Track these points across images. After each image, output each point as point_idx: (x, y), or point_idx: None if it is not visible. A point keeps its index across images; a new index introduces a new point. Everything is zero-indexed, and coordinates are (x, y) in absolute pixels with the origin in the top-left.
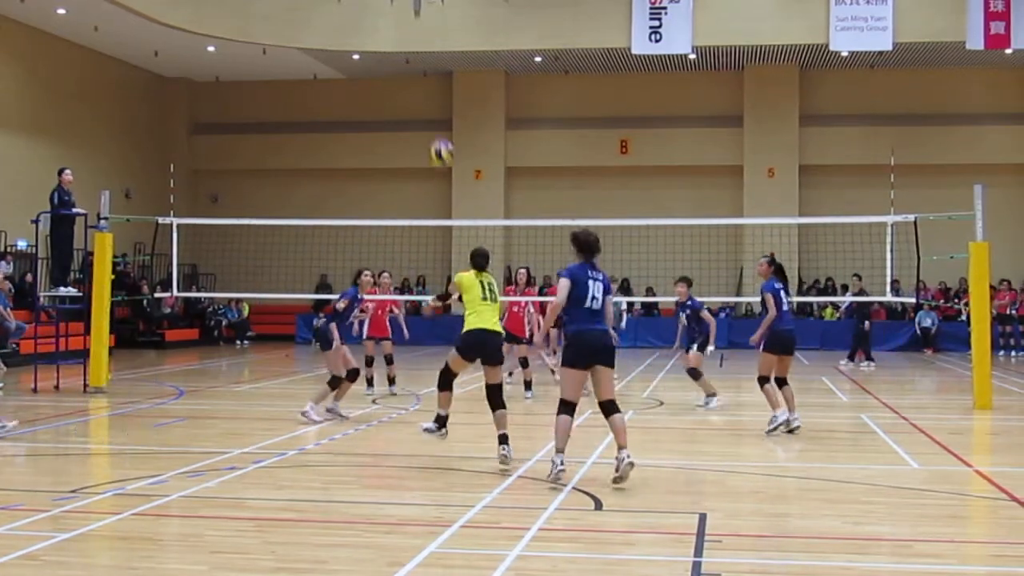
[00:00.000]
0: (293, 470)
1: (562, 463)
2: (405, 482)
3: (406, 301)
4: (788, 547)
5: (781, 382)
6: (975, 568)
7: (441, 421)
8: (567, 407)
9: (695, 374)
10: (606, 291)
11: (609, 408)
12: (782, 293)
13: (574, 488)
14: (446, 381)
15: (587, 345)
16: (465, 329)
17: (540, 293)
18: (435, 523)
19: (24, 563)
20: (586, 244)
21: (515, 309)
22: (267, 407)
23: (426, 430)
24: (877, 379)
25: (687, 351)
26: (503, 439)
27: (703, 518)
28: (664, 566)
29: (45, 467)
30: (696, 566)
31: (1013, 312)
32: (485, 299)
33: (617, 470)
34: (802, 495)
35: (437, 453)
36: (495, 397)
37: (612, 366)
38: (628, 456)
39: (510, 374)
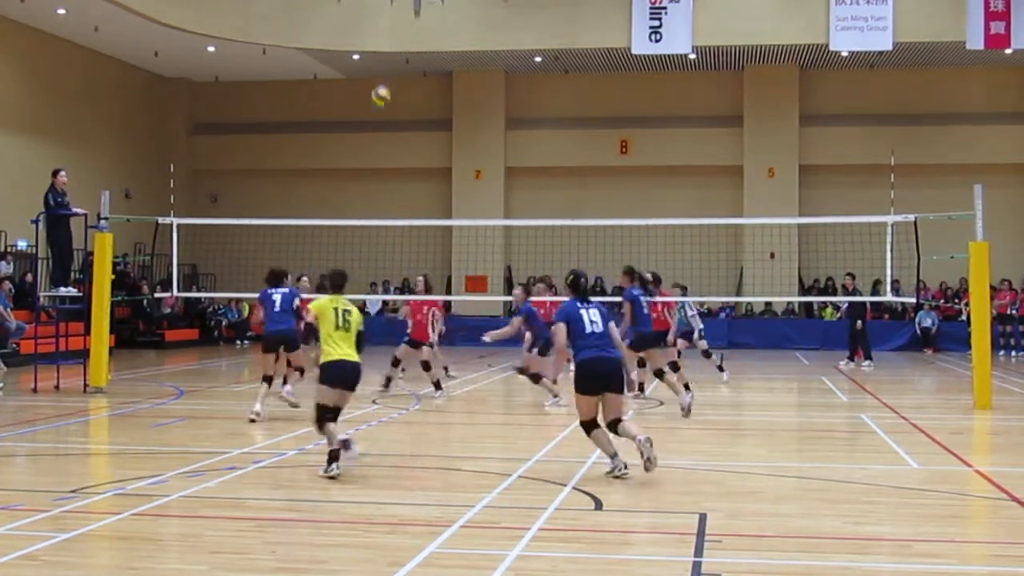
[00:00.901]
0: (293, 470)
1: (625, 466)
2: (405, 482)
3: (405, 301)
4: (788, 547)
5: (659, 374)
6: (975, 568)
7: (333, 455)
8: (589, 425)
9: (535, 378)
10: (604, 317)
11: (614, 425)
12: (641, 299)
13: (574, 488)
14: (322, 416)
15: (596, 373)
16: (323, 361)
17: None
18: (435, 523)
19: (24, 563)
20: (582, 287)
21: (419, 317)
22: (267, 407)
23: (326, 473)
24: (877, 379)
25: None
26: (334, 456)
27: (703, 518)
28: (664, 566)
29: (45, 467)
30: (696, 566)
31: (1013, 312)
32: (338, 328)
33: (643, 456)
34: (802, 495)
35: (437, 453)
36: (334, 415)
37: (621, 391)
38: (645, 439)
39: (446, 369)
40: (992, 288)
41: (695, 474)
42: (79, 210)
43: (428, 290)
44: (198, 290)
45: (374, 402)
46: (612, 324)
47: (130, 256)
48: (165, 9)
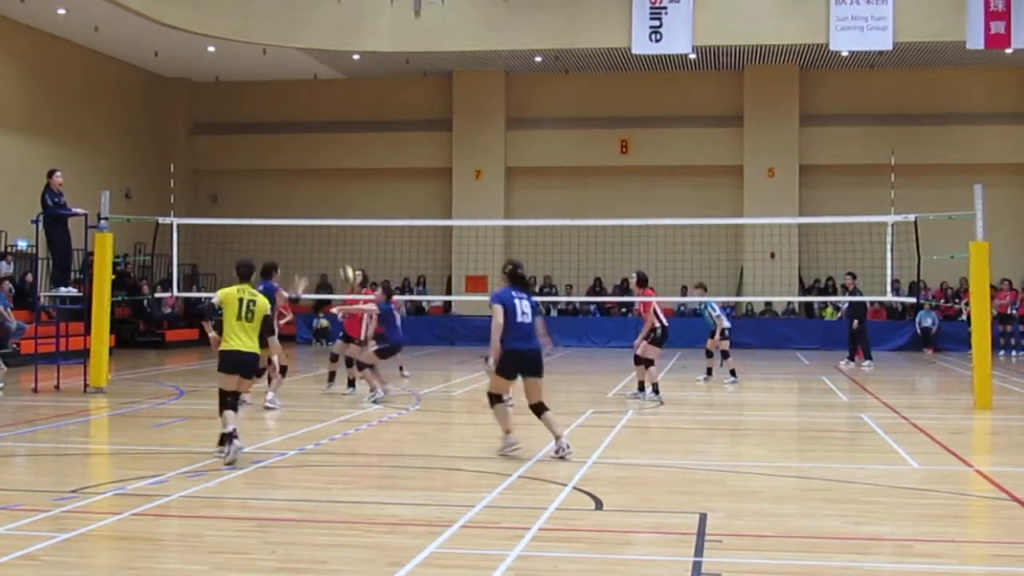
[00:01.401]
0: (293, 470)
1: (516, 442)
2: (405, 482)
3: (406, 301)
4: (788, 547)
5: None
6: (976, 568)
7: (224, 437)
8: (498, 399)
9: None
10: (533, 309)
11: (538, 409)
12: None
13: (574, 488)
14: (223, 402)
15: (521, 360)
16: (222, 349)
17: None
18: (435, 523)
19: (24, 563)
20: (519, 276)
21: (351, 314)
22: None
23: (223, 457)
24: (877, 379)
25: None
26: (225, 438)
27: (703, 518)
28: (664, 566)
29: (45, 467)
30: (696, 566)
31: (1013, 312)
32: (240, 319)
33: (557, 452)
34: (802, 495)
35: (438, 453)
36: (234, 400)
37: (540, 376)
38: (568, 445)
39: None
40: (992, 288)
41: (695, 474)
42: (79, 210)
43: (365, 285)
44: (198, 290)
45: (374, 401)
46: (539, 318)
47: (130, 256)
48: (165, 9)
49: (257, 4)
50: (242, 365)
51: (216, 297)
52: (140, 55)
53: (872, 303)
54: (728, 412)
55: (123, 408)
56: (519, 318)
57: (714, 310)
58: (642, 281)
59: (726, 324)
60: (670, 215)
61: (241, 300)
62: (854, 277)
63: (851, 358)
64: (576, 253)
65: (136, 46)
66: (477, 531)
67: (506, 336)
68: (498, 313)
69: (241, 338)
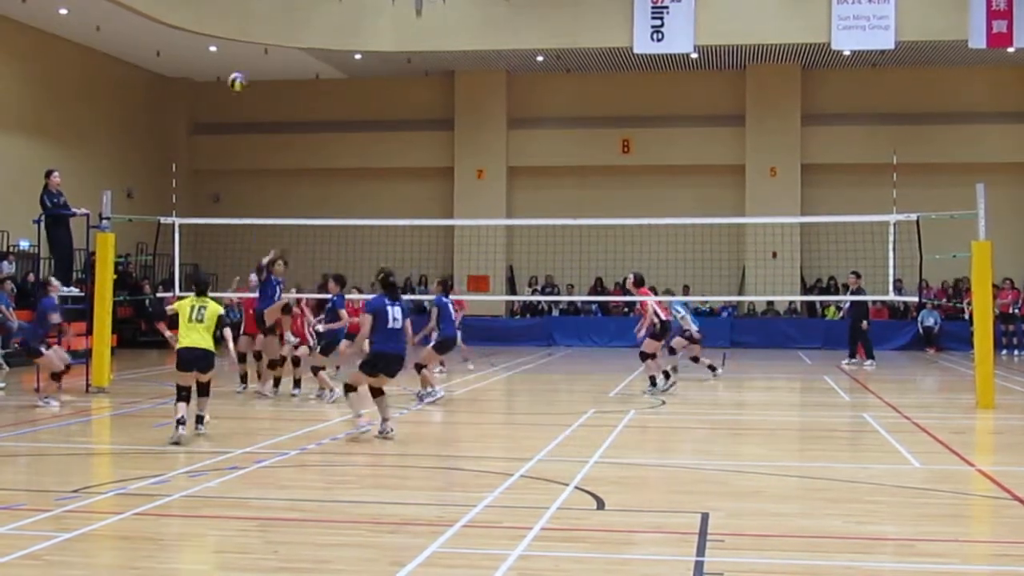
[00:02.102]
0: (295, 470)
1: (368, 424)
2: (407, 482)
3: (408, 301)
4: (790, 547)
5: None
6: (978, 567)
7: (180, 421)
8: (351, 389)
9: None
10: (404, 315)
11: (378, 392)
12: (450, 307)
13: (576, 488)
14: (178, 394)
15: (386, 361)
16: (177, 347)
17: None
18: (437, 523)
19: (26, 563)
20: (389, 284)
21: (251, 311)
22: (269, 407)
23: (170, 438)
24: (879, 378)
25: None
26: (183, 421)
27: (705, 517)
28: (666, 565)
29: (47, 467)
30: (698, 566)
31: (1016, 311)
32: (191, 320)
33: (382, 432)
34: (804, 494)
35: (439, 453)
36: (204, 390)
37: (394, 376)
38: (390, 429)
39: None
40: (994, 287)
41: (697, 474)
42: (81, 210)
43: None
44: None
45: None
46: (407, 322)
47: (132, 256)
48: (166, 9)
49: (258, 4)
50: (192, 358)
51: (171, 309)
52: (141, 55)
53: (874, 302)
54: (730, 412)
55: (125, 408)
56: (390, 323)
57: (678, 312)
58: (638, 281)
59: (692, 326)
60: (672, 214)
61: (193, 306)
62: (858, 276)
63: (852, 356)
64: (578, 252)
65: (137, 46)
66: (479, 531)
67: (375, 338)
68: (365, 322)
69: (193, 336)
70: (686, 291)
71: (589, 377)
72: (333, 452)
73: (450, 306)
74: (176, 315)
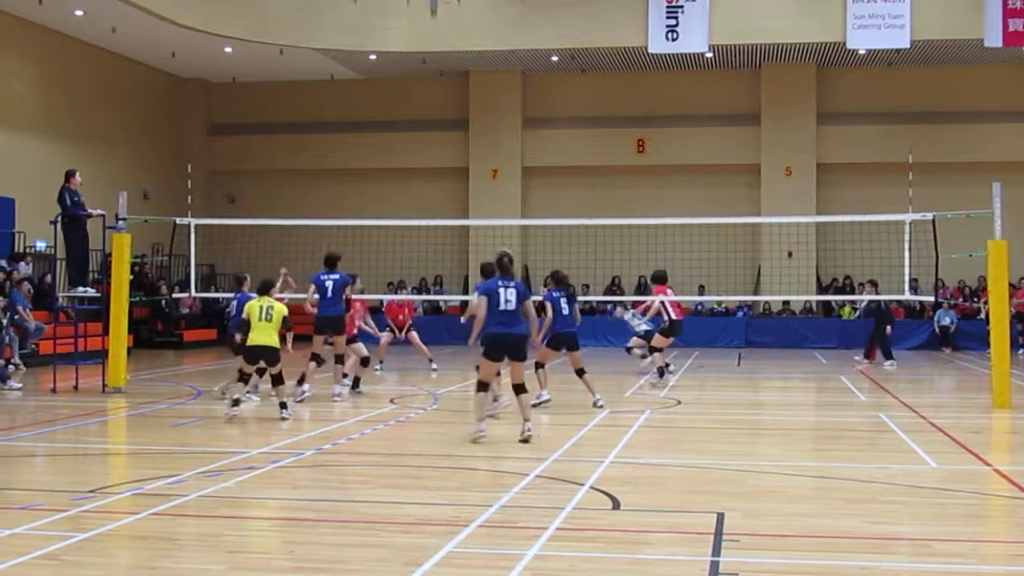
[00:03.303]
0: (311, 470)
1: (483, 430)
2: (422, 482)
3: (423, 301)
4: (806, 547)
5: (580, 372)
6: (994, 567)
7: (235, 401)
8: (483, 386)
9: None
10: (520, 296)
11: (518, 390)
12: (561, 301)
13: (591, 488)
14: (240, 377)
15: (500, 343)
16: (248, 344)
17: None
18: (452, 523)
19: (43, 563)
20: (504, 266)
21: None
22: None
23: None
24: (896, 378)
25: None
26: (239, 402)
27: (721, 517)
28: (682, 566)
29: (64, 467)
30: (714, 566)
31: None
32: (260, 320)
33: (522, 435)
34: (820, 494)
35: (454, 453)
36: (279, 379)
37: (522, 360)
38: (530, 428)
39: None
40: (1011, 286)
41: (713, 473)
42: (97, 211)
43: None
44: (216, 290)
45: (392, 401)
46: (527, 302)
47: (148, 256)
48: (182, 10)
49: (274, 5)
50: (263, 353)
51: (245, 311)
52: (157, 56)
53: (890, 302)
54: (745, 411)
55: (141, 408)
56: (502, 305)
57: (627, 310)
58: (655, 279)
59: (642, 327)
60: (687, 214)
61: (261, 307)
62: (875, 285)
63: (867, 356)
64: (593, 252)
65: (153, 47)
66: (494, 531)
67: (487, 323)
68: (481, 304)
69: (263, 333)
70: (701, 291)
71: (604, 377)
72: (349, 452)
73: (562, 301)
74: (248, 320)
